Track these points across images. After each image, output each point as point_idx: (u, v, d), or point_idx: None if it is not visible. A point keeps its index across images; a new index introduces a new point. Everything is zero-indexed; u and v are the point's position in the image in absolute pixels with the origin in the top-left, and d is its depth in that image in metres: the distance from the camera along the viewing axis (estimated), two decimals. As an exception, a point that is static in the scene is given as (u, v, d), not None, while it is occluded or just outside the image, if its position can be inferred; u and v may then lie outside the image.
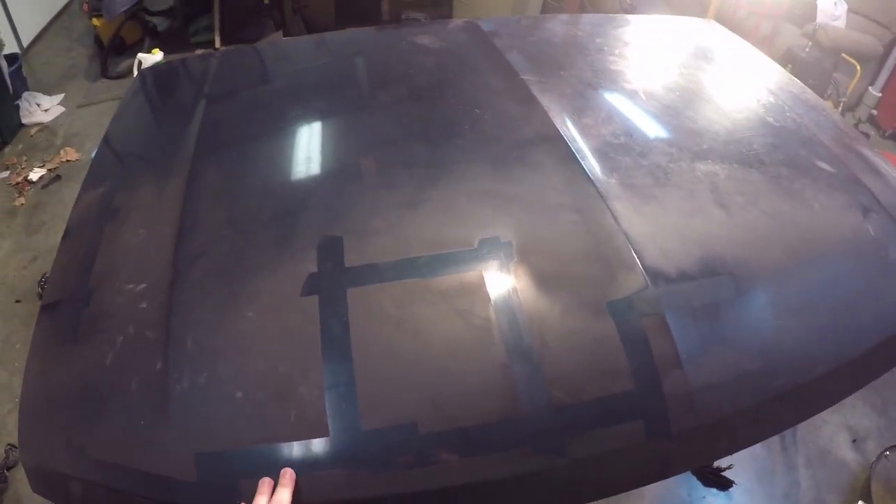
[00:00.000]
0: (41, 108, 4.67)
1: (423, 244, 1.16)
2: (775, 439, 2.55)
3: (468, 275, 1.12)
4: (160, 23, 5.37)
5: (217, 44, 5.05)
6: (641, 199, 1.31)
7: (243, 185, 1.41)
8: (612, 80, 1.76)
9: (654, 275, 1.14)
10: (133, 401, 1.06)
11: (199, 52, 5.10)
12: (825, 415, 2.67)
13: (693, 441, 1.05)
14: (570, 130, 1.46)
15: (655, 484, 2.32)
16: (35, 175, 4.10)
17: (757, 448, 2.50)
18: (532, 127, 1.47)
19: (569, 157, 1.37)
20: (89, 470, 1.04)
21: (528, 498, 1.01)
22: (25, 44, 5.29)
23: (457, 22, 2.07)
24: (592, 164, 1.36)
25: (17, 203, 3.89)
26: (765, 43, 4.03)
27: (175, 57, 4.72)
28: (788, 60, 3.76)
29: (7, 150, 4.34)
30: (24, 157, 4.25)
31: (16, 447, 2.52)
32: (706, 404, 1.05)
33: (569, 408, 1.00)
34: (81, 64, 5.24)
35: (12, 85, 4.45)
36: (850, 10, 3.93)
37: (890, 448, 2.46)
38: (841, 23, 3.93)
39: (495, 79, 1.67)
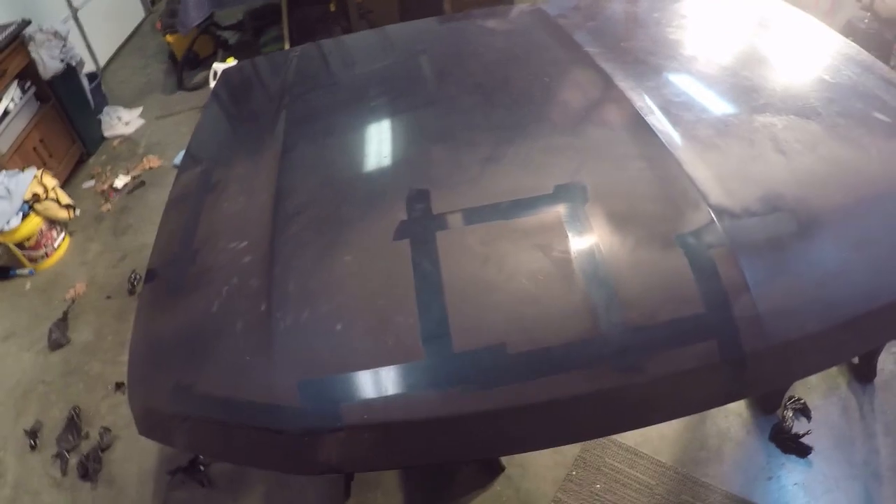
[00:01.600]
0: (122, 121, 4.99)
1: (504, 192, 1.26)
2: (853, 407, 2.53)
3: (547, 215, 1.21)
4: (231, 36, 5.66)
5: (286, 52, 5.30)
6: (703, 147, 1.38)
7: (333, 156, 1.54)
8: (672, 48, 1.84)
9: (720, 211, 1.21)
10: (239, 340, 1.17)
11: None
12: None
13: (763, 362, 1.11)
14: (633, 92, 1.53)
15: (735, 450, 2.38)
16: (120, 182, 4.38)
17: (835, 415, 2.49)
18: (597, 90, 1.56)
19: (633, 114, 1.45)
20: (197, 406, 1.14)
21: (609, 414, 1.09)
22: (102, 64, 5.67)
23: (522, 7, 2.18)
24: (656, 119, 1.44)
25: (103, 209, 4.18)
26: (826, 18, 3.99)
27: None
28: (849, 33, 3.71)
29: (91, 160, 4.68)
30: (109, 167, 4.56)
31: (109, 430, 2.75)
32: (774, 328, 1.10)
33: (645, 328, 1.07)
34: (157, 79, 5.56)
35: (93, 100, 4.79)
36: (915, -22, 3.85)
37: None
38: (906, -9, 3.86)
39: (562, 52, 1.77)
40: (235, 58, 4.76)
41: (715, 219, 1.21)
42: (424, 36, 2.15)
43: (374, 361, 1.06)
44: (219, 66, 4.69)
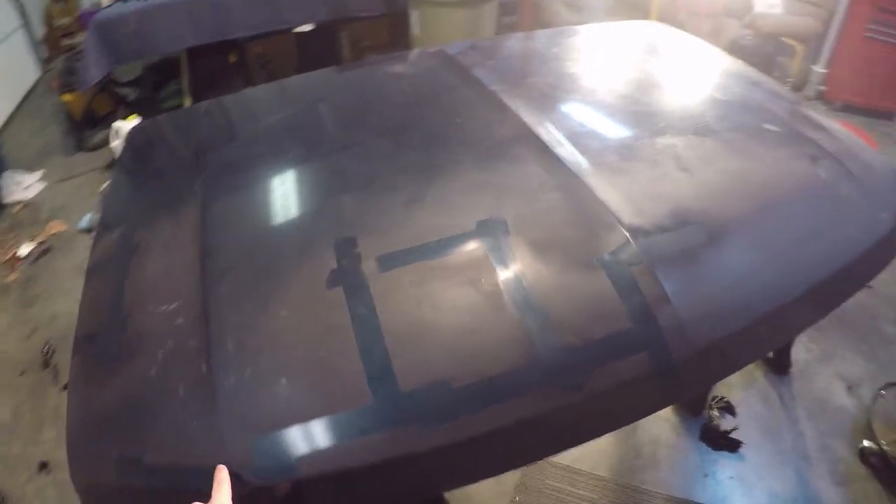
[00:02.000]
0: (22, 186, 4.75)
1: (429, 232, 1.31)
2: (773, 397, 2.70)
3: (472, 251, 1.27)
4: (130, 93, 5.52)
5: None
6: (612, 172, 1.48)
7: (255, 210, 1.55)
8: (572, 81, 1.96)
9: (634, 231, 1.31)
10: (182, 404, 1.14)
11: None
12: (818, 367, 2.83)
13: (692, 366, 1.20)
14: (539, 126, 1.63)
15: (669, 455, 2.49)
16: (24, 250, 4.16)
17: (757, 406, 2.65)
18: (506, 127, 1.64)
19: (542, 147, 1.54)
20: (146, 477, 1.11)
21: (555, 433, 1.15)
22: (-2, 127, 5.41)
23: (426, 49, 2.26)
24: (564, 151, 1.53)
25: (9, 280, 3.93)
26: (710, 40, 4.33)
27: (150, 122, 4.91)
28: (734, 50, 4.03)
29: None
30: (12, 235, 4.32)
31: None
32: (697, 333, 1.20)
33: (579, 348, 1.14)
34: (56, 140, 5.34)
35: (-9, 166, 4.52)
36: (786, -4, 4.24)
37: (884, 387, 2.63)
38: (778, 9, 4.24)
39: (468, 93, 1.85)
40: (137, 115, 4.67)
41: (630, 238, 1.30)
42: (331, 84, 2.19)
43: (324, 410, 1.07)
44: (120, 125, 4.59)
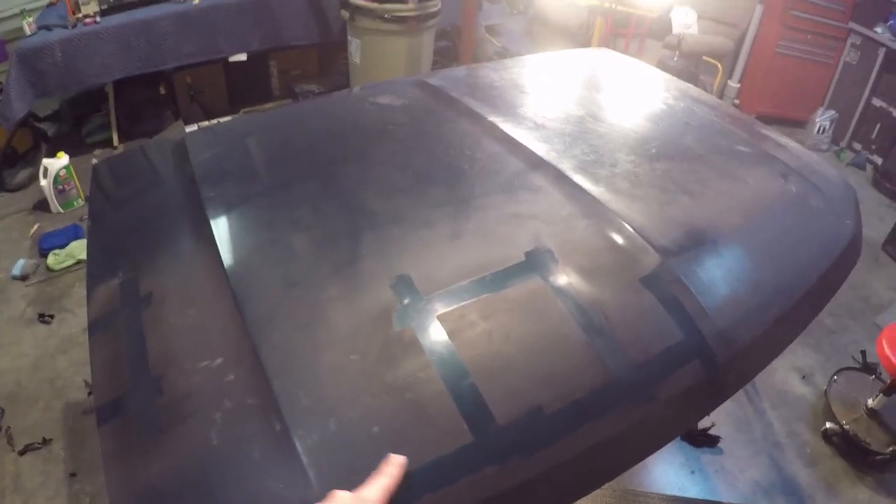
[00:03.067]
0: (-62, 233, 4.41)
1: (479, 266, 1.34)
2: (740, 393, 2.90)
3: (529, 281, 1.32)
4: (49, 128, 5.23)
5: (115, 141, 5.01)
6: (629, 198, 1.58)
7: (281, 248, 1.50)
8: (558, 110, 2.05)
9: (663, 252, 1.42)
10: (260, 469, 1.08)
11: (98, 151, 5.03)
12: (774, 362, 3.05)
13: (731, 369, 1.33)
14: (550, 156, 1.71)
15: (655, 457, 2.60)
16: (-50, 303, 3.87)
17: (727, 404, 2.82)
18: (519, 158, 1.71)
19: (560, 176, 1.62)
20: None
21: (638, 445, 1.23)
22: None
23: (406, 79, 2.29)
24: (581, 179, 1.62)
25: (-66, 336, 3.66)
26: (641, 59, 4.63)
27: (79, 159, 4.66)
28: (662, 70, 4.32)
29: None
30: (-65, 286, 4.02)
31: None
32: (732, 339, 1.33)
33: (646, 364, 1.23)
34: (-28, 181, 4.99)
35: None
36: (700, 17, 4.56)
37: (836, 372, 2.88)
38: (694, 30, 4.56)
39: (468, 124, 1.90)
40: (63, 152, 4.44)
41: (663, 259, 1.40)
42: (320, 115, 2.17)
43: (425, 455, 1.07)
44: (49, 163, 4.35)
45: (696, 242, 1.49)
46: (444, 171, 1.71)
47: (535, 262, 1.36)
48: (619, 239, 1.44)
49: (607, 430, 1.17)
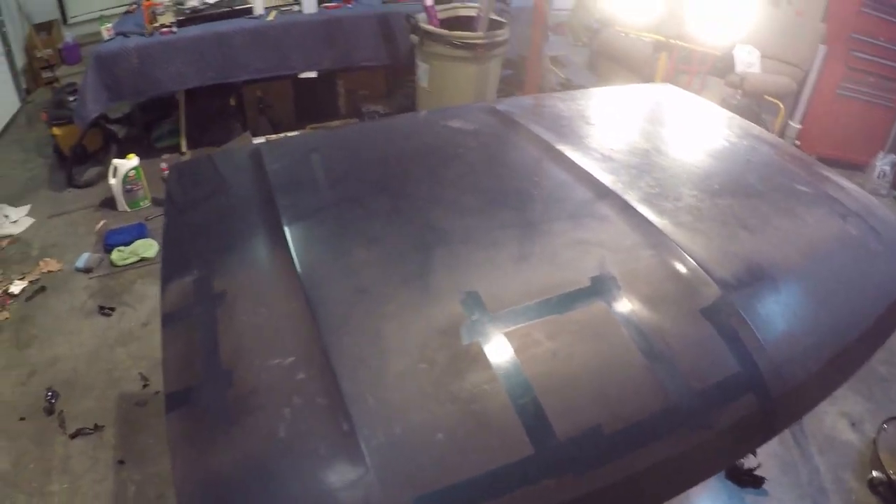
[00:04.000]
0: (9, 220, 4.60)
1: (545, 288, 1.39)
2: (787, 436, 2.86)
3: (593, 305, 1.36)
4: (119, 130, 5.47)
5: (183, 147, 5.20)
6: (692, 232, 1.61)
7: (354, 258, 1.57)
8: (623, 142, 2.09)
9: (723, 285, 1.45)
10: (326, 465, 1.13)
11: (166, 156, 5.23)
12: (823, 406, 3.01)
13: (787, 402, 1.35)
14: (616, 186, 1.75)
15: (699, 493, 2.59)
16: (16, 288, 4.01)
17: (774, 445, 2.81)
18: (586, 187, 1.76)
19: (626, 207, 1.66)
20: None
21: (690, 470, 1.27)
22: (-25, 161, 5.25)
23: (478, 105, 2.37)
24: (646, 210, 1.66)
25: (0, 318, 3.80)
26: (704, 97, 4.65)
27: (147, 163, 4.86)
28: (725, 108, 4.34)
29: None
30: (0, 271, 4.18)
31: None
32: (787, 374, 1.35)
33: (704, 392, 1.27)
34: (42, 174, 5.23)
35: (-23, 197, 4.38)
36: (763, 56, 4.56)
37: (886, 421, 2.83)
38: (756, 69, 4.56)
39: (537, 151, 1.96)
40: (134, 154, 4.64)
41: (723, 292, 1.43)
42: (392, 134, 2.26)
43: (486, 464, 1.11)
44: (119, 163, 4.55)
45: (755, 277, 1.52)
46: (513, 195, 1.77)
47: (599, 288, 1.40)
48: (681, 270, 1.48)
49: (661, 455, 1.20)
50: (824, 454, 2.82)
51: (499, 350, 1.27)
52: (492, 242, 1.57)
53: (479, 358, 1.26)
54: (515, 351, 1.27)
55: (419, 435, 1.16)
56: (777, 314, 1.48)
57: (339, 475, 1.12)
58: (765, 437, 1.40)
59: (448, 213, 1.70)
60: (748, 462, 2.70)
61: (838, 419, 3.00)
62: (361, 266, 1.55)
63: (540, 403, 1.18)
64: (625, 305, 1.38)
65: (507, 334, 1.29)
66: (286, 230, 1.66)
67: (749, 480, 2.64)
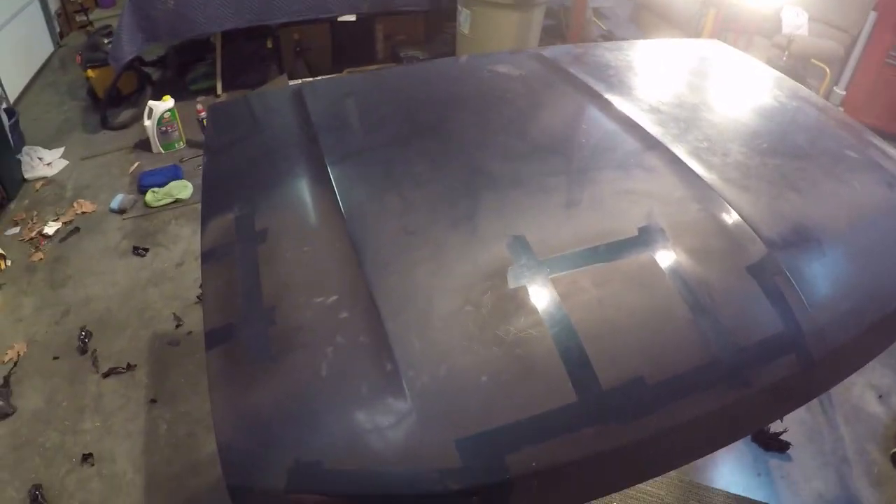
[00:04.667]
0: (43, 162, 4.64)
1: (593, 236, 1.38)
2: (815, 404, 2.86)
3: (641, 255, 1.35)
4: (153, 73, 5.46)
5: (219, 90, 5.18)
6: (740, 188, 1.58)
7: (400, 198, 1.55)
8: (672, 95, 2.05)
9: (770, 243, 1.42)
10: (367, 404, 1.12)
11: (201, 98, 5.22)
12: (853, 377, 2.99)
13: (826, 366, 1.33)
14: (665, 139, 1.72)
15: (726, 455, 2.61)
16: (50, 229, 4.05)
17: (801, 412, 2.80)
18: (635, 138, 1.73)
19: (674, 160, 1.63)
20: (331, 483, 1.06)
21: (729, 427, 1.27)
22: (12, 100, 5.25)
23: (525, 51, 2.32)
24: (695, 164, 1.62)
25: (35, 258, 3.85)
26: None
27: (182, 104, 4.85)
28: (771, 70, 4.23)
29: (13, 206, 4.27)
30: (35, 212, 4.22)
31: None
32: (830, 336, 1.33)
33: (746, 348, 1.25)
34: (76, 117, 5.25)
35: (12, 139, 4.41)
36: (811, 19, 4.41)
37: (915, 396, 2.80)
38: (804, 31, 4.41)
39: (586, 99, 1.92)
40: (169, 96, 4.63)
41: (769, 251, 1.40)
42: (439, 78, 2.21)
43: (529, 409, 1.11)
44: (155, 105, 4.56)
45: (801, 238, 1.49)
46: (561, 142, 1.75)
47: (647, 238, 1.39)
48: (728, 225, 1.45)
49: (701, 409, 1.19)
50: (850, 424, 2.81)
51: (545, 296, 1.26)
52: (540, 188, 1.55)
53: (525, 303, 1.25)
54: (561, 297, 1.26)
55: (463, 377, 1.16)
56: (822, 276, 1.45)
57: (381, 415, 1.12)
58: (802, 400, 1.40)
59: (495, 158, 1.67)
60: (774, 426, 2.70)
61: (866, 390, 2.98)
62: (407, 207, 1.53)
63: (585, 351, 1.18)
64: (671, 257, 1.36)
65: (553, 280, 1.29)
66: (330, 169, 1.64)
67: (775, 444, 2.64)
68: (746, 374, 1.25)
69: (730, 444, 1.38)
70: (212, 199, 1.78)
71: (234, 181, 1.84)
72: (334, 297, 1.32)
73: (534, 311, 1.24)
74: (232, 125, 2.17)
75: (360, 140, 1.81)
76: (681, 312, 1.27)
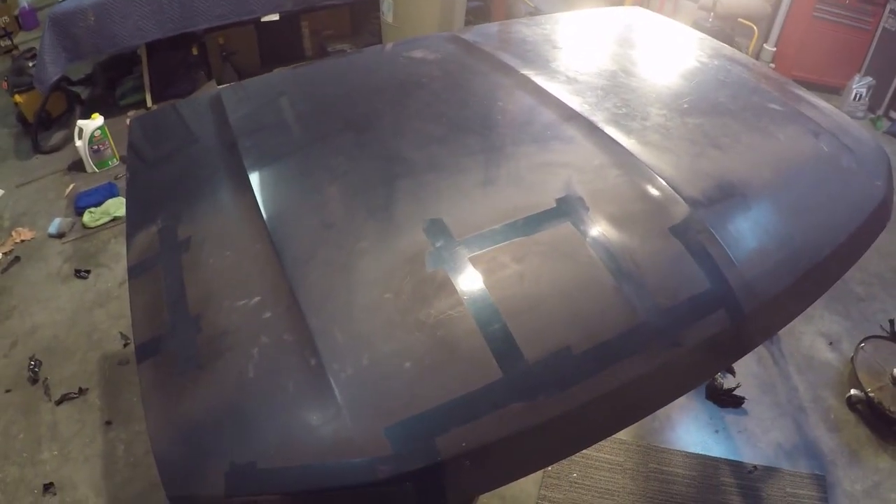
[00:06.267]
0: (-24, 193, 4.52)
1: (511, 211, 1.37)
2: (766, 356, 2.90)
3: (560, 226, 1.34)
4: (82, 91, 5.31)
5: (149, 102, 5.07)
6: (660, 151, 1.58)
7: (319, 193, 1.55)
8: (591, 65, 2.04)
9: (692, 203, 1.43)
10: (296, 401, 1.12)
11: (131, 112, 5.11)
12: (801, 327, 3.06)
13: (758, 319, 1.34)
14: (582, 108, 1.72)
15: (681, 415, 2.64)
16: (-9, 261, 3.97)
17: (753, 366, 2.85)
18: (551, 110, 1.72)
19: (592, 128, 1.63)
20: (267, 483, 1.05)
21: (663, 388, 1.26)
22: (-61, 134, 5.08)
23: (441, 35, 2.30)
24: (613, 131, 1.62)
25: (-23, 292, 3.75)
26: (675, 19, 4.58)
27: (113, 121, 4.73)
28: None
29: None
30: (-28, 244, 4.12)
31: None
32: (759, 289, 1.34)
33: (673, 308, 1.26)
34: (7, 144, 5.08)
35: (-58, 174, 4.29)
36: (736, -21, 4.49)
37: (863, 340, 2.87)
38: (730, -9, 4.48)
39: (501, 77, 1.91)
40: (98, 113, 4.51)
41: (691, 210, 1.41)
42: (356, 69, 2.19)
43: (455, 390, 1.11)
44: (84, 124, 4.43)
45: (725, 195, 1.50)
46: (478, 121, 1.73)
47: (565, 208, 1.38)
48: (649, 189, 1.45)
49: (632, 373, 1.19)
50: (803, 374, 2.86)
51: (464, 275, 1.25)
52: (457, 169, 1.54)
53: (445, 284, 1.24)
54: (482, 275, 1.25)
55: (387, 365, 1.15)
56: (748, 231, 1.46)
57: (310, 410, 1.12)
58: (738, 353, 1.40)
59: (412, 144, 1.66)
60: (727, 382, 2.74)
61: (816, 339, 3.04)
62: (326, 202, 1.52)
63: (507, 327, 1.17)
64: (592, 225, 1.36)
65: (472, 259, 1.28)
66: (249, 171, 1.62)
67: (729, 401, 2.68)
68: (675, 334, 1.25)
69: (669, 402, 1.39)
70: (135, 214, 1.76)
71: (156, 194, 1.82)
72: (257, 299, 1.32)
73: (453, 291, 1.23)
74: (153, 138, 2.15)
75: (278, 140, 1.78)
76: (604, 279, 1.27)
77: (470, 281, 1.24)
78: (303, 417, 1.12)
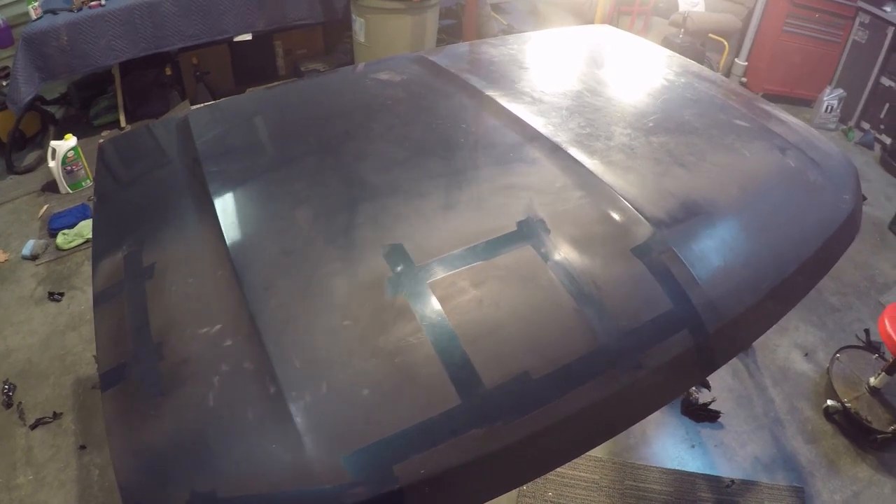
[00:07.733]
0: (-51, 216, 4.46)
1: (471, 235, 1.36)
2: (741, 369, 2.91)
3: (520, 250, 1.34)
4: (56, 111, 5.27)
5: (122, 122, 5.04)
6: (623, 170, 1.59)
7: (279, 219, 1.54)
8: (557, 85, 2.05)
9: (656, 223, 1.43)
10: (254, 430, 1.12)
11: (105, 133, 5.08)
12: (776, 339, 3.08)
13: (722, 338, 1.34)
14: (546, 129, 1.72)
15: (657, 431, 2.64)
16: (-38, 285, 3.92)
17: (728, 379, 2.86)
18: (515, 131, 1.72)
19: (555, 149, 1.63)
20: None
21: (624, 411, 1.25)
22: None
23: (407, 56, 2.31)
24: (576, 152, 1.63)
25: (-51, 316, 3.71)
26: (644, 37, 4.61)
27: (87, 141, 4.70)
28: (667, 47, 4.31)
29: None
30: (-55, 269, 4.07)
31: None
32: (723, 308, 1.34)
33: (634, 331, 1.25)
34: (-20, 165, 5.04)
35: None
36: (706, -6, 4.54)
37: (839, 350, 2.89)
38: (700, 7, 4.53)
39: (466, 98, 1.92)
40: (72, 134, 4.48)
41: (655, 230, 1.41)
42: (319, 92, 2.19)
43: (414, 416, 1.10)
44: (57, 145, 4.39)
45: (689, 214, 1.50)
46: (441, 144, 1.73)
47: (526, 232, 1.38)
48: (611, 210, 1.46)
49: (593, 397, 1.19)
50: (779, 385, 2.87)
51: (423, 301, 1.25)
52: (419, 193, 1.54)
53: (404, 310, 1.23)
54: (440, 301, 1.24)
55: (345, 393, 1.14)
56: (712, 249, 1.46)
57: (269, 438, 1.11)
58: (704, 372, 1.39)
59: (375, 167, 1.65)
60: (703, 397, 2.75)
61: (792, 350, 3.06)
62: (287, 228, 1.51)
63: (465, 353, 1.16)
64: (553, 248, 1.35)
65: (431, 284, 1.27)
66: (213, 197, 1.62)
67: (704, 415, 2.69)
68: (636, 357, 1.24)
69: (632, 425, 1.38)
70: (101, 240, 1.75)
71: (122, 220, 1.81)
72: (219, 326, 1.31)
73: (412, 318, 1.22)
74: (120, 163, 2.13)
75: (242, 164, 1.77)
76: (564, 302, 1.27)
77: (429, 307, 1.23)
78: (262, 445, 1.11)
